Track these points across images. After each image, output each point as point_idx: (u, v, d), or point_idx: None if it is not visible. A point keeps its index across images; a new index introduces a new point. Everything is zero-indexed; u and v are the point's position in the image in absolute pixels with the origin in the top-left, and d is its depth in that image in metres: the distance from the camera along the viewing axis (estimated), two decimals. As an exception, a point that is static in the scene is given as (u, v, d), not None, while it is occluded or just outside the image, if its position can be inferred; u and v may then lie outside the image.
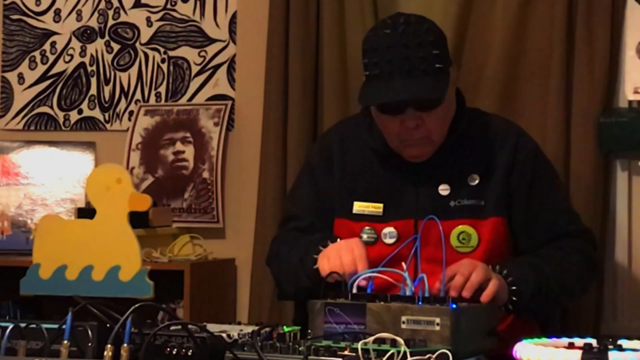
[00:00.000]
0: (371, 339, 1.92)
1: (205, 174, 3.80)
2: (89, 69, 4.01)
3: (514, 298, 2.41)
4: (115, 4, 3.99)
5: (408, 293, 2.21)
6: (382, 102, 2.56)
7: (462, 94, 2.72)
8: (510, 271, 2.44)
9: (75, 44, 4.02)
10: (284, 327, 2.15)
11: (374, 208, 2.67)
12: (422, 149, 2.61)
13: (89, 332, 1.97)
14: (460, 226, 2.62)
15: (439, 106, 2.56)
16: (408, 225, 2.60)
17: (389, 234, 2.63)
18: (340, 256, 2.41)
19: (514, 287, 2.41)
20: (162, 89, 3.93)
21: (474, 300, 2.26)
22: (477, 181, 2.65)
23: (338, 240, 2.52)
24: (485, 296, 2.27)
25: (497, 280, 2.33)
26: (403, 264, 2.31)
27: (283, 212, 2.97)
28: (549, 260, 2.56)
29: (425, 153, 2.62)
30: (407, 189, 2.65)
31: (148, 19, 3.96)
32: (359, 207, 2.69)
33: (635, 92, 3.32)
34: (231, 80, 3.86)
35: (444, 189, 2.64)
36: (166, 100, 3.92)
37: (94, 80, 4.00)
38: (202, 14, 3.89)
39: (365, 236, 2.63)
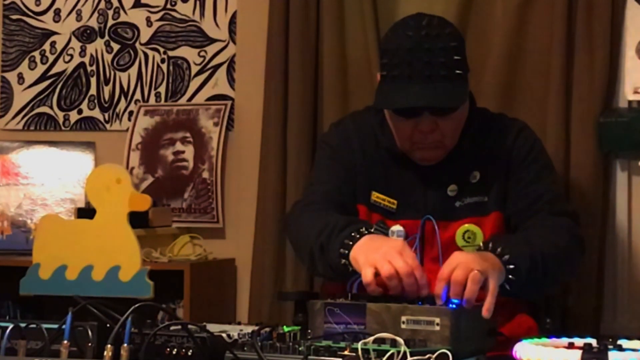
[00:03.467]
0: (371, 339, 1.92)
1: (205, 174, 3.80)
2: (89, 69, 4.01)
3: (511, 276, 2.32)
4: (115, 4, 3.99)
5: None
6: (402, 107, 2.53)
7: (474, 97, 2.71)
8: (505, 248, 2.34)
9: (75, 44, 4.03)
10: (284, 327, 2.16)
11: (390, 203, 2.65)
12: (434, 152, 2.60)
13: (89, 332, 1.97)
14: (465, 225, 2.62)
15: (455, 112, 2.56)
16: (415, 225, 2.59)
17: (396, 232, 2.60)
18: (390, 261, 2.22)
19: (511, 266, 2.32)
20: (162, 89, 3.93)
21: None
22: (477, 178, 2.65)
23: (363, 231, 2.37)
24: (485, 310, 2.16)
25: (494, 283, 2.21)
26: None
27: (305, 198, 2.78)
28: (540, 236, 2.49)
29: (436, 157, 2.61)
30: (417, 189, 2.65)
31: (148, 19, 3.96)
32: (376, 197, 2.67)
33: (635, 92, 3.32)
34: (231, 80, 3.86)
35: (452, 190, 2.64)
36: (166, 100, 3.92)
37: (93, 80, 4.00)
38: (202, 14, 3.89)
39: (378, 230, 2.60)
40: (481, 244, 2.38)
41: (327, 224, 2.47)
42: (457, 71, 2.51)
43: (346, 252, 2.36)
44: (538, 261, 2.40)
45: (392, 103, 2.55)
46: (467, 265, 2.19)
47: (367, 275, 2.24)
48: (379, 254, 2.26)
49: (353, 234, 2.38)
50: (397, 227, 2.59)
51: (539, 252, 2.41)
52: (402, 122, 2.57)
